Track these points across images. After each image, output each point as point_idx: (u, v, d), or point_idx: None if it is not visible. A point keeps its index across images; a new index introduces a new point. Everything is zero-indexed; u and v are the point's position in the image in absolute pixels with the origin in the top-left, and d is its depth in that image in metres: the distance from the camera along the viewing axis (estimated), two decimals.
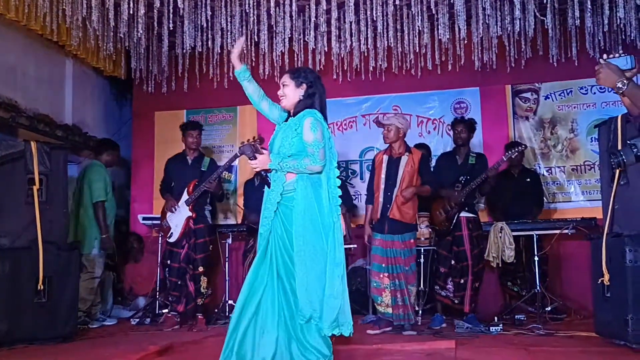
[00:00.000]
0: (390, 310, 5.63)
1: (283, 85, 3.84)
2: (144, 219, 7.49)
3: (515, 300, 6.60)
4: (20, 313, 4.99)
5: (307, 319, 3.45)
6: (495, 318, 5.94)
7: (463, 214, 5.89)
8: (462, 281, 5.82)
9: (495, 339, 5.11)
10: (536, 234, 6.12)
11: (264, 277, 3.56)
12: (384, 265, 5.69)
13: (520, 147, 6.15)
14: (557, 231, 6.08)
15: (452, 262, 5.89)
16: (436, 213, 6.04)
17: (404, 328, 5.61)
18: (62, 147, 5.77)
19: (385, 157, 5.93)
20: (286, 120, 3.88)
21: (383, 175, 5.87)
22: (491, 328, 5.52)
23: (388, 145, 5.94)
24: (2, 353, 4.66)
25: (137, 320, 6.69)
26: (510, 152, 5.99)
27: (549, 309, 6.21)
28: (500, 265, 6.09)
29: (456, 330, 5.59)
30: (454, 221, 5.87)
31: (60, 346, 5.05)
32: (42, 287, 5.09)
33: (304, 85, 3.79)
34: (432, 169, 6.24)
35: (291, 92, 3.82)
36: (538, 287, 5.99)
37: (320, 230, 3.55)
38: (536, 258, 6.05)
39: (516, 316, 6.09)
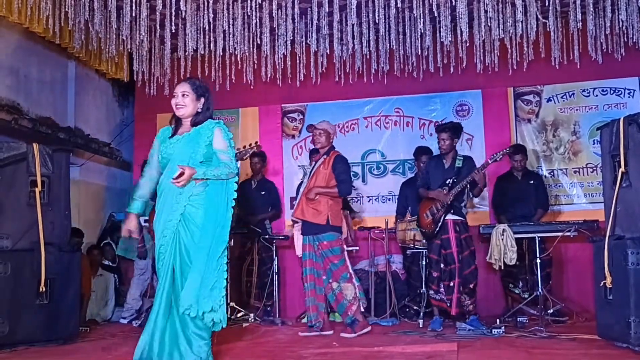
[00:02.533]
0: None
1: (183, 95, 4.00)
2: (145, 221, 7.48)
3: (518, 302, 6.59)
4: (21, 315, 4.99)
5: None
6: (497, 320, 5.93)
7: (450, 217, 5.88)
8: (451, 284, 5.82)
9: (497, 341, 5.10)
10: (538, 237, 6.11)
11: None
12: (303, 267, 5.95)
13: (505, 150, 6.10)
14: (560, 233, 6.06)
15: (442, 265, 5.89)
16: (423, 215, 6.04)
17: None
18: (64, 149, 5.78)
19: (313, 163, 6.19)
20: (175, 134, 4.04)
21: (305, 180, 6.08)
22: (493, 330, 5.51)
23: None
24: (3, 355, 4.67)
25: (139, 322, 6.70)
26: (495, 155, 5.96)
27: (551, 311, 6.21)
28: (502, 267, 6.07)
29: (458, 332, 5.58)
30: (440, 224, 5.87)
31: (62, 348, 5.06)
32: (43, 289, 5.10)
33: (202, 99, 4.03)
34: (422, 172, 6.31)
35: (191, 103, 4.00)
36: (540, 290, 5.97)
37: (227, 226, 3.89)
38: (538, 260, 6.03)
39: (518, 318, 6.09)
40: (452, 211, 5.89)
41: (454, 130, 6.10)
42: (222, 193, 3.92)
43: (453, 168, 6.01)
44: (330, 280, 5.77)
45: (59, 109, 7.88)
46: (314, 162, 6.15)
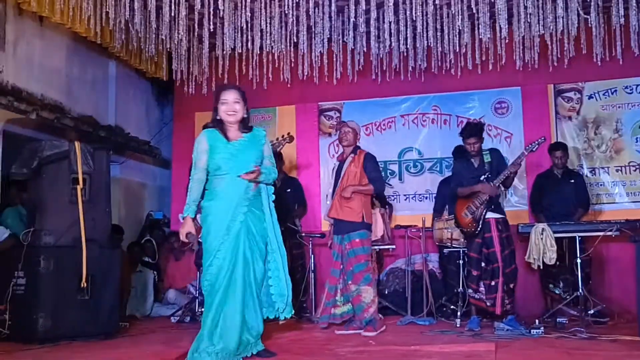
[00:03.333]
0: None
1: (235, 102, 4.26)
2: (183, 218, 7.57)
3: (557, 303, 6.49)
4: (63, 310, 5.09)
5: None
6: (537, 321, 5.83)
7: (491, 215, 5.79)
8: (493, 283, 5.74)
9: (536, 342, 5.02)
10: (579, 236, 6.01)
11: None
12: (332, 267, 5.99)
13: (540, 140, 5.96)
14: (601, 233, 5.95)
15: (483, 264, 5.82)
16: (461, 215, 5.94)
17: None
18: (105, 147, 5.87)
19: (336, 163, 6.18)
20: (228, 138, 4.26)
21: (332, 180, 6.12)
22: (532, 331, 5.42)
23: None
24: (46, 349, 4.77)
25: (178, 318, 6.78)
26: (530, 146, 5.85)
27: (592, 312, 6.10)
28: (541, 267, 5.99)
29: (495, 332, 5.51)
30: (481, 222, 5.79)
31: (103, 343, 5.14)
32: (85, 285, 5.18)
33: (246, 105, 4.36)
34: (453, 172, 6.26)
35: (241, 109, 4.30)
36: (581, 290, 5.87)
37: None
38: (579, 260, 5.94)
39: (558, 319, 6.00)
40: (492, 208, 5.81)
41: (480, 131, 6.01)
42: (267, 196, 4.33)
43: (483, 164, 5.92)
44: (350, 282, 5.77)
45: (100, 107, 8.03)
46: (337, 162, 6.17)
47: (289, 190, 7.43)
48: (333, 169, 6.23)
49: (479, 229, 5.79)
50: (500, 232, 5.78)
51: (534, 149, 5.86)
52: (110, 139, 7.80)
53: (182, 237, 4.22)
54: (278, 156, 7.33)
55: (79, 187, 5.31)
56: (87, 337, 5.17)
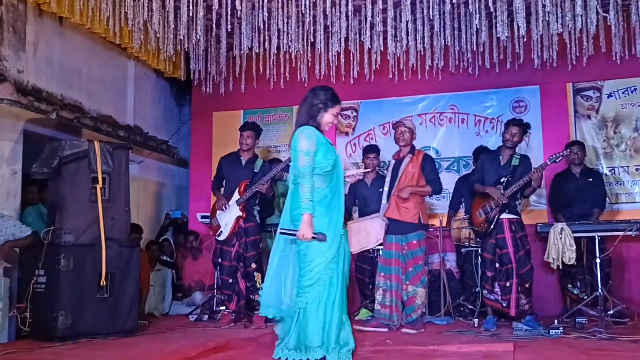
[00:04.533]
0: (379, 307, 5.93)
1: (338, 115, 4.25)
2: (202, 217, 7.63)
3: (576, 303, 6.44)
4: (83, 308, 5.14)
5: None
6: (555, 321, 5.80)
7: (505, 216, 5.77)
8: (507, 284, 5.72)
9: (555, 342, 4.99)
10: (598, 236, 5.96)
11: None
12: (382, 265, 5.98)
13: (565, 152, 5.96)
14: (620, 233, 5.89)
15: (497, 265, 5.80)
16: (475, 214, 5.94)
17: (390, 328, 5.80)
18: (124, 146, 5.91)
19: (393, 161, 6.18)
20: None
21: (388, 179, 6.08)
22: (551, 331, 5.39)
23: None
24: (66, 347, 4.82)
25: (196, 316, 6.82)
26: (554, 156, 5.82)
27: (611, 312, 6.05)
28: (560, 267, 5.95)
29: (514, 332, 5.49)
30: (494, 223, 5.77)
31: (122, 340, 5.18)
32: (104, 283, 5.23)
33: None
34: (476, 167, 6.23)
35: None
36: (600, 290, 5.83)
37: None
38: (598, 260, 5.89)
39: (577, 319, 5.95)
40: (507, 210, 5.79)
41: (525, 127, 5.99)
42: None
43: (509, 166, 5.90)
44: (407, 282, 5.85)
45: (119, 107, 8.09)
46: (393, 161, 6.17)
47: None
48: (387, 167, 6.27)
49: (490, 229, 5.78)
50: (513, 232, 5.76)
51: (556, 161, 5.85)
52: (129, 139, 7.86)
53: (308, 236, 3.77)
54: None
55: (98, 186, 5.36)
56: (106, 334, 5.22)
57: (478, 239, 6.23)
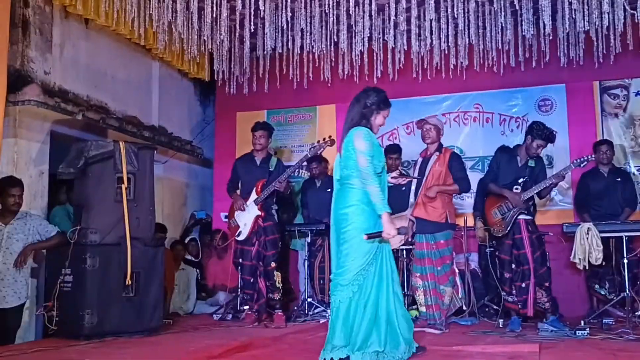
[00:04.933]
0: (423, 309, 5.89)
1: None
2: (225, 216, 7.66)
3: (603, 304, 6.36)
4: (109, 307, 5.17)
5: None
6: (582, 322, 5.72)
7: (522, 217, 5.72)
8: (523, 285, 5.66)
9: (581, 344, 4.92)
10: (626, 236, 5.87)
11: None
12: (417, 265, 5.94)
13: (590, 157, 5.87)
14: None
15: (513, 265, 5.74)
16: (490, 213, 5.86)
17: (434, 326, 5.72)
18: (149, 147, 5.95)
19: (420, 159, 6.10)
20: None
21: (415, 173, 6.02)
22: (577, 332, 5.32)
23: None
24: (92, 345, 4.86)
25: (220, 315, 6.85)
26: (579, 160, 5.73)
27: (639, 313, 5.95)
28: (587, 267, 5.87)
29: (540, 333, 5.42)
30: (512, 224, 5.70)
31: (147, 339, 5.21)
32: (129, 282, 5.26)
33: None
34: (491, 165, 6.16)
35: None
36: (628, 291, 5.74)
37: None
38: (626, 261, 5.80)
39: (604, 320, 5.86)
40: (523, 211, 5.73)
41: (553, 139, 5.91)
42: None
43: (526, 167, 5.83)
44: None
45: (144, 108, 8.16)
46: (420, 159, 6.11)
47: (329, 190, 7.41)
48: (414, 164, 6.23)
49: (507, 231, 5.71)
50: (530, 233, 5.70)
51: (581, 165, 5.77)
52: (154, 139, 7.92)
53: (394, 233, 3.82)
54: (318, 161, 7.37)
55: (123, 186, 5.40)
56: (131, 333, 5.24)
57: (493, 241, 6.16)
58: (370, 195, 3.84)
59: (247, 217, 6.40)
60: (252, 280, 6.38)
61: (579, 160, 5.74)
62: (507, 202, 5.74)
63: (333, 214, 4.05)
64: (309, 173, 7.79)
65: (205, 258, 8.29)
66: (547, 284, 5.69)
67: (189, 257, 8.07)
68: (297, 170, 6.53)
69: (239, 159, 6.80)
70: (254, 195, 6.38)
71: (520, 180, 5.76)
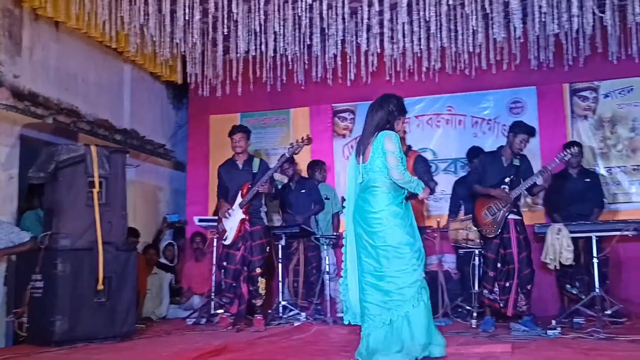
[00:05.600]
0: None
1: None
2: (199, 220, 7.61)
3: (574, 303, 6.44)
4: (80, 312, 5.12)
5: None
6: (553, 321, 5.79)
7: (511, 216, 5.78)
8: (507, 284, 5.72)
9: (553, 343, 4.98)
10: (595, 236, 5.95)
11: None
12: None
13: (573, 149, 5.99)
14: (618, 233, 5.89)
15: (499, 264, 5.80)
16: (480, 214, 5.91)
17: None
18: (121, 150, 5.91)
19: None
20: None
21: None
22: (548, 331, 5.39)
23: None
24: (64, 351, 4.80)
25: (193, 320, 6.81)
26: (563, 154, 5.84)
27: (609, 312, 6.03)
28: (557, 267, 5.95)
29: (512, 333, 5.48)
30: (503, 223, 5.76)
31: (120, 344, 5.17)
32: (101, 287, 5.22)
33: None
34: (475, 168, 6.20)
35: None
36: (597, 290, 5.82)
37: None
38: (595, 260, 5.88)
39: (575, 320, 5.94)
40: (513, 210, 5.80)
41: (534, 134, 6.00)
42: None
43: (511, 166, 5.90)
44: None
45: (116, 111, 8.09)
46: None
47: (303, 191, 7.43)
48: None
49: (499, 231, 5.76)
50: (518, 233, 5.77)
51: (565, 159, 5.86)
52: (126, 142, 7.86)
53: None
54: (290, 162, 7.37)
55: (95, 191, 5.35)
56: (103, 339, 5.20)
57: (477, 240, 6.21)
58: (405, 186, 4.18)
59: (232, 221, 6.37)
60: (234, 284, 6.35)
61: (562, 155, 5.85)
62: (496, 202, 5.79)
63: (359, 216, 4.17)
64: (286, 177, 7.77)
65: (180, 262, 8.24)
66: (529, 287, 5.74)
67: (163, 261, 8.02)
68: (274, 171, 6.50)
69: (222, 165, 6.74)
70: (239, 199, 6.35)
71: (507, 180, 5.82)
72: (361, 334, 4.12)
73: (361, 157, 4.24)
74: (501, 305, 5.74)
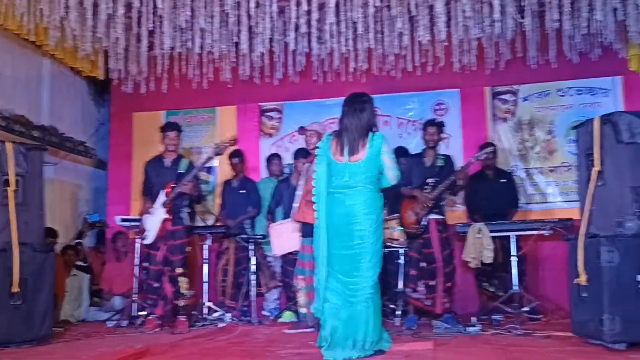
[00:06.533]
0: (304, 310, 5.95)
1: None
2: (122, 220, 7.42)
3: (492, 300, 6.62)
4: None
5: None
6: (473, 319, 5.94)
7: (432, 216, 5.92)
8: (432, 283, 5.85)
9: (473, 339, 5.12)
10: (515, 235, 6.14)
11: None
12: (300, 267, 6.00)
13: (488, 149, 6.20)
14: (535, 232, 6.09)
15: (423, 264, 5.92)
16: (405, 215, 6.04)
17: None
18: (39, 147, 5.69)
19: (307, 165, 6.09)
20: None
21: (301, 182, 6.02)
22: (469, 328, 5.53)
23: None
24: None
25: (114, 322, 6.63)
26: (478, 154, 6.04)
27: (526, 309, 6.23)
28: (479, 266, 6.10)
29: (434, 330, 5.60)
30: (425, 223, 5.89)
31: (37, 348, 5.00)
32: (17, 290, 5.02)
33: None
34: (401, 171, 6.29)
35: None
36: (516, 288, 6.00)
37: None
38: (515, 258, 6.05)
39: (493, 316, 6.10)
40: (435, 210, 5.92)
41: (441, 125, 6.15)
42: None
43: (434, 167, 6.02)
44: None
45: (33, 107, 7.79)
46: (307, 164, 6.09)
47: (243, 191, 7.36)
48: (304, 171, 6.16)
49: (421, 229, 5.88)
50: (440, 232, 5.90)
51: (481, 157, 6.03)
52: (44, 139, 7.59)
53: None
54: (241, 157, 7.33)
55: (10, 189, 5.15)
56: (20, 343, 5.01)
57: (401, 240, 6.31)
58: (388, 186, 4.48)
59: (154, 221, 6.23)
60: (156, 285, 6.22)
61: (477, 155, 6.06)
62: (418, 203, 5.90)
63: (348, 211, 4.30)
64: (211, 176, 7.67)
65: (98, 262, 8.02)
66: (449, 284, 5.88)
67: (79, 262, 7.78)
68: (198, 171, 6.40)
69: (149, 162, 6.58)
70: (162, 198, 6.22)
71: (429, 181, 5.94)
72: (320, 323, 4.40)
73: (347, 156, 4.36)
74: (428, 303, 5.85)
